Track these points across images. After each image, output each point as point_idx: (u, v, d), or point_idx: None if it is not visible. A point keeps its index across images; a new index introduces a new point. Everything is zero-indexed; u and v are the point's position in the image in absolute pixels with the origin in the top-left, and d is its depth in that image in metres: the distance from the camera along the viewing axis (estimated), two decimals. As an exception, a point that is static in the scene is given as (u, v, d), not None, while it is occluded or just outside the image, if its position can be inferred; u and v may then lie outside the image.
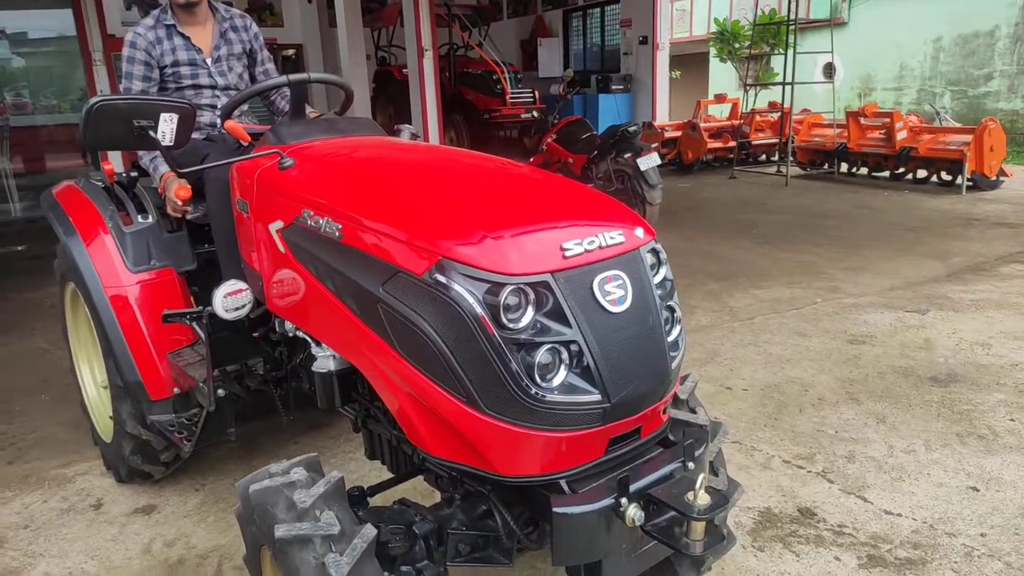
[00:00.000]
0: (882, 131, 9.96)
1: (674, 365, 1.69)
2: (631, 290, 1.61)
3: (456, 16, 13.75)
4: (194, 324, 2.45)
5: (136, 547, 2.66)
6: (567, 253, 1.56)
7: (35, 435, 3.58)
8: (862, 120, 10.30)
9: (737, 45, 15.67)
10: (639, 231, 1.72)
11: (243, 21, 3.00)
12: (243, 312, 2.24)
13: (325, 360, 2.04)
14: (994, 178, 9.19)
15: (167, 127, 1.98)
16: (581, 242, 1.59)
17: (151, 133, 1.97)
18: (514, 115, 12.52)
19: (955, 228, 7.28)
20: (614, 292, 1.59)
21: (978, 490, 2.83)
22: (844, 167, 10.82)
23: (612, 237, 1.64)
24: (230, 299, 2.19)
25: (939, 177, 9.67)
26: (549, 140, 8.27)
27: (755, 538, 2.58)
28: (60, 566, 2.57)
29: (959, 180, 9.18)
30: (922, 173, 9.84)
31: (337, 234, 1.81)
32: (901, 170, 9.95)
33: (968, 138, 9.10)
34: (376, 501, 1.96)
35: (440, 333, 1.54)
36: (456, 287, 1.52)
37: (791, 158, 10.84)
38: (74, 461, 3.30)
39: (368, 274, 1.70)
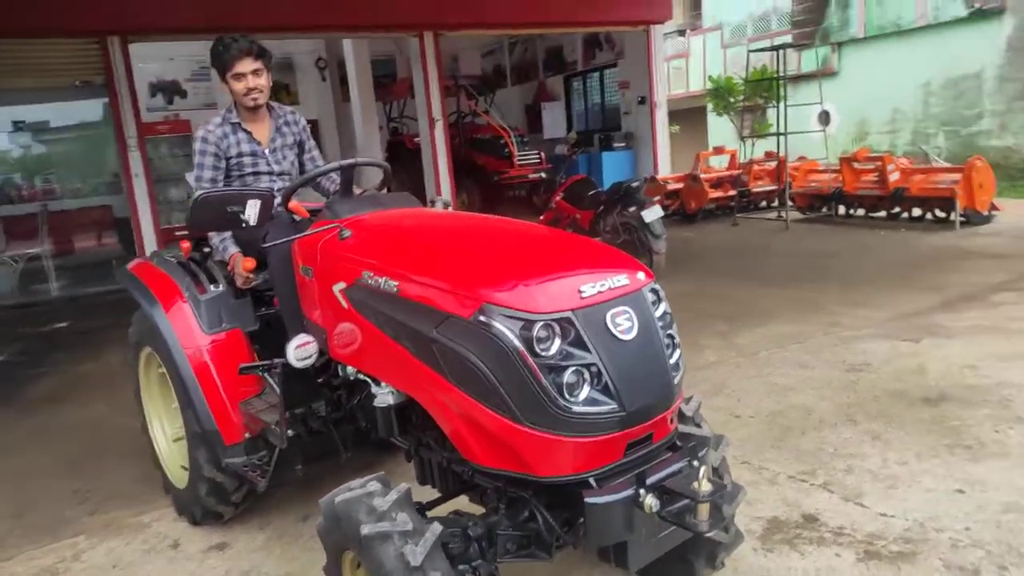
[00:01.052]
0: (875, 174, 10.41)
1: (676, 381, 2.07)
2: (637, 322, 2.01)
3: (463, 86, 14.50)
4: (265, 375, 2.85)
5: (215, 577, 3.01)
6: (584, 294, 1.96)
7: (108, 489, 3.94)
8: (855, 164, 10.78)
9: (732, 99, 16.32)
10: (641, 275, 2.13)
11: (293, 116, 3.49)
12: (311, 361, 2.64)
13: (385, 396, 2.42)
14: (986, 213, 9.58)
15: (252, 211, 2.43)
16: (595, 285, 1.99)
17: (241, 216, 2.41)
18: (522, 175, 13.12)
19: (949, 261, 7.64)
20: (623, 324, 1.98)
21: (964, 492, 3.14)
22: (842, 209, 11.25)
23: (619, 280, 2.04)
24: (300, 350, 2.60)
25: (933, 215, 10.06)
26: (557, 198, 8.75)
27: (764, 541, 2.90)
28: (151, 596, 2.92)
29: (952, 216, 9.56)
30: (917, 212, 10.25)
31: (395, 289, 2.22)
32: (896, 210, 10.38)
33: (957, 176, 9.53)
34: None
35: (486, 363, 1.93)
36: (497, 325, 1.91)
37: (790, 203, 11.30)
38: (147, 510, 3.66)
39: (423, 320, 2.11)
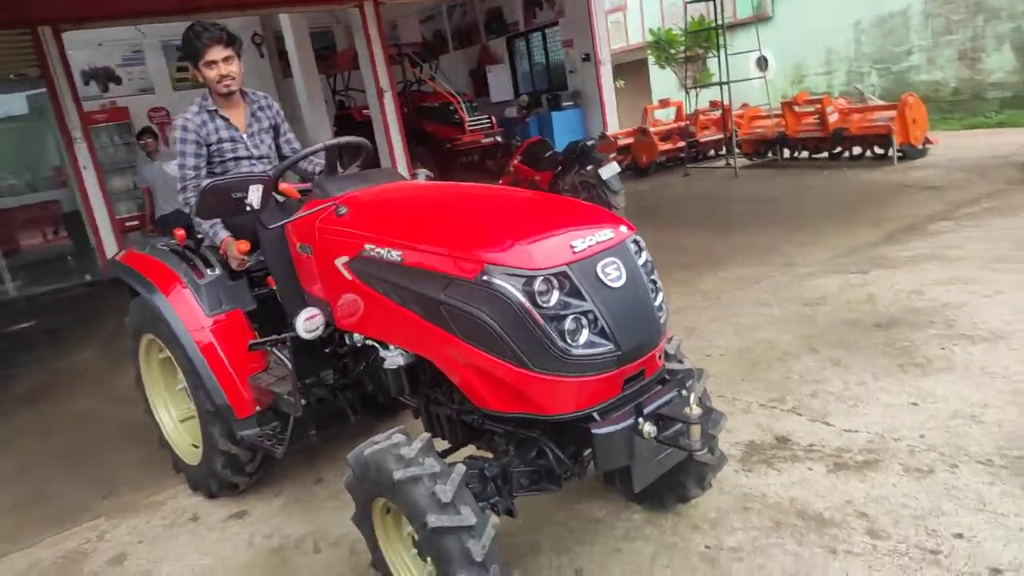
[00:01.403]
0: (815, 116, 10.80)
1: (662, 321, 2.32)
2: (624, 270, 2.23)
3: (406, 55, 14.42)
4: (273, 349, 3.02)
5: (240, 543, 3.20)
6: (576, 249, 2.18)
7: (116, 475, 4.07)
8: (796, 108, 11.15)
9: (673, 51, 16.55)
10: (623, 228, 2.35)
11: (267, 101, 3.58)
12: (319, 332, 2.81)
13: (395, 358, 2.61)
14: (921, 147, 10.05)
15: (255, 195, 2.57)
16: (584, 240, 2.20)
17: (245, 201, 2.55)
18: (474, 141, 13.20)
19: (889, 196, 8.07)
20: (613, 273, 2.20)
21: (917, 404, 3.48)
22: (786, 153, 11.65)
23: (605, 234, 2.26)
24: (309, 323, 2.76)
25: (872, 152, 10.52)
26: (515, 161, 8.93)
27: (744, 463, 3.20)
28: (181, 565, 3.10)
29: (890, 153, 10.01)
30: (857, 150, 10.69)
31: (398, 259, 2.40)
32: (838, 150, 10.80)
33: (892, 114, 9.96)
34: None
35: (493, 318, 2.13)
36: (500, 283, 2.11)
37: (737, 151, 11.66)
38: (159, 490, 3.81)
39: (429, 285, 2.29)
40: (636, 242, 2.39)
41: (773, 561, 2.56)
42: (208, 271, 3.29)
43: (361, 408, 3.24)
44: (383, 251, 2.46)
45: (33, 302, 9.66)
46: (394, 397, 2.79)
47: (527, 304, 2.09)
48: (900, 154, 9.93)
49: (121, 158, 14.20)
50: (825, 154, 11.05)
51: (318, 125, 13.33)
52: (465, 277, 2.19)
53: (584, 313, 2.13)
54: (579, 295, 2.14)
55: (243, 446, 3.25)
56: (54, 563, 3.27)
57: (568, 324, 2.11)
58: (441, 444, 2.77)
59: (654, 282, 2.37)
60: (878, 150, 10.39)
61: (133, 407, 4.81)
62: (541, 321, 2.09)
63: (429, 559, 2.19)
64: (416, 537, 2.25)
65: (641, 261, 2.35)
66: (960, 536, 2.54)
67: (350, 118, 14.44)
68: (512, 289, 2.10)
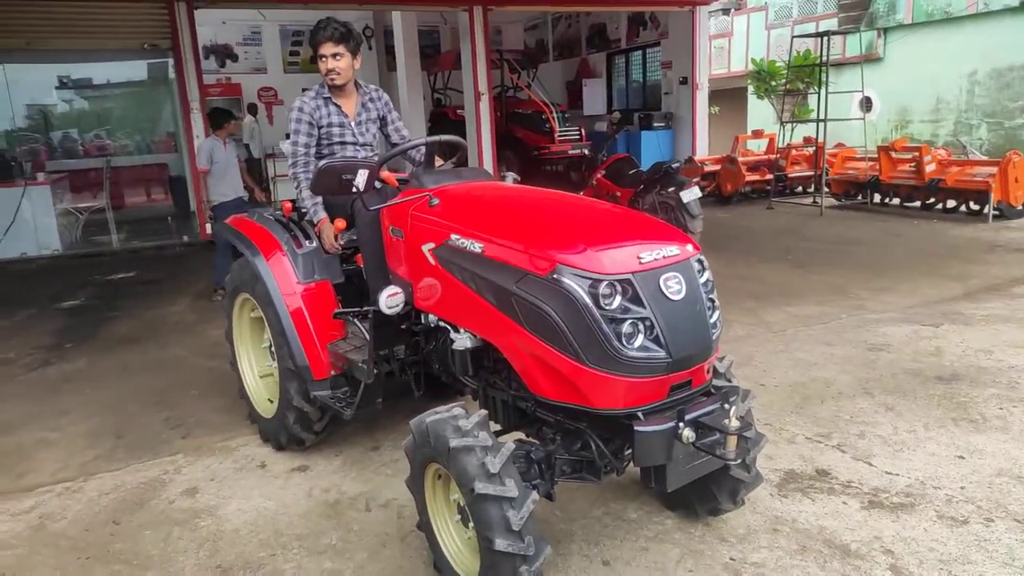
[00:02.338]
0: (912, 164, 10.59)
1: (714, 337, 2.48)
2: (685, 286, 2.41)
3: (507, 60, 14.79)
4: (354, 320, 3.31)
5: (300, 492, 3.49)
6: (642, 260, 2.37)
7: (195, 419, 4.45)
8: (892, 154, 10.96)
9: (774, 83, 16.42)
10: (690, 247, 2.52)
11: (377, 93, 3.89)
12: (398, 309, 3.08)
13: (463, 340, 2.85)
14: (1019, 207, 9.73)
15: (362, 179, 2.86)
16: (651, 253, 2.39)
17: (353, 182, 2.85)
18: (562, 151, 13.44)
19: (977, 253, 7.89)
20: (674, 286, 2.38)
21: (964, 458, 3.51)
22: (877, 198, 11.44)
23: (672, 250, 2.44)
24: (391, 299, 3.04)
25: (967, 207, 10.24)
26: (599, 175, 9.10)
27: (781, 489, 3.31)
28: (247, 504, 3.41)
29: (986, 210, 9.74)
30: (951, 203, 10.42)
31: (479, 250, 2.64)
32: (931, 200, 10.56)
33: (993, 170, 9.69)
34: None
35: (559, 314, 2.34)
36: (569, 283, 2.32)
37: (826, 190, 11.52)
38: (233, 436, 4.16)
39: (504, 277, 2.52)
40: (700, 261, 2.56)
41: (794, 581, 2.68)
42: (307, 243, 3.61)
43: (425, 386, 3.50)
44: (467, 242, 2.70)
45: (134, 255, 10.39)
46: (457, 377, 3.03)
47: (591, 304, 2.29)
48: (996, 212, 9.66)
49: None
50: (918, 203, 10.81)
51: (414, 120, 13.81)
52: (538, 273, 2.41)
53: (642, 319, 2.32)
54: (639, 302, 2.32)
55: (315, 405, 3.55)
56: (136, 487, 3.64)
57: (626, 328, 2.30)
58: (494, 427, 3.01)
59: (712, 300, 2.53)
60: (974, 206, 10.12)
61: (216, 359, 5.25)
62: (601, 321, 2.29)
63: (471, 526, 2.42)
64: (462, 503, 2.48)
65: (703, 280, 2.52)
66: (983, 585, 2.60)
67: (445, 116, 14.89)
68: (579, 289, 2.30)
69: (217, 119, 7.49)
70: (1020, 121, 15.42)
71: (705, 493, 2.91)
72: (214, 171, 7.23)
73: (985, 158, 11.26)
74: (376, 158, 3.65)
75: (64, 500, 3.55)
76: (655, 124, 14.08)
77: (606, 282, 2.30)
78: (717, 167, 12.67)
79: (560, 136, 13.48)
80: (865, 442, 3.72)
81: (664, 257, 2.40)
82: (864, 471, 3.44)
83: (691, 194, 7.86)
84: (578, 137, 13.58)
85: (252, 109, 15.18)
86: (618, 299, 2.31)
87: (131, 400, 4.82)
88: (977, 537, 2.88)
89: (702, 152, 14.01)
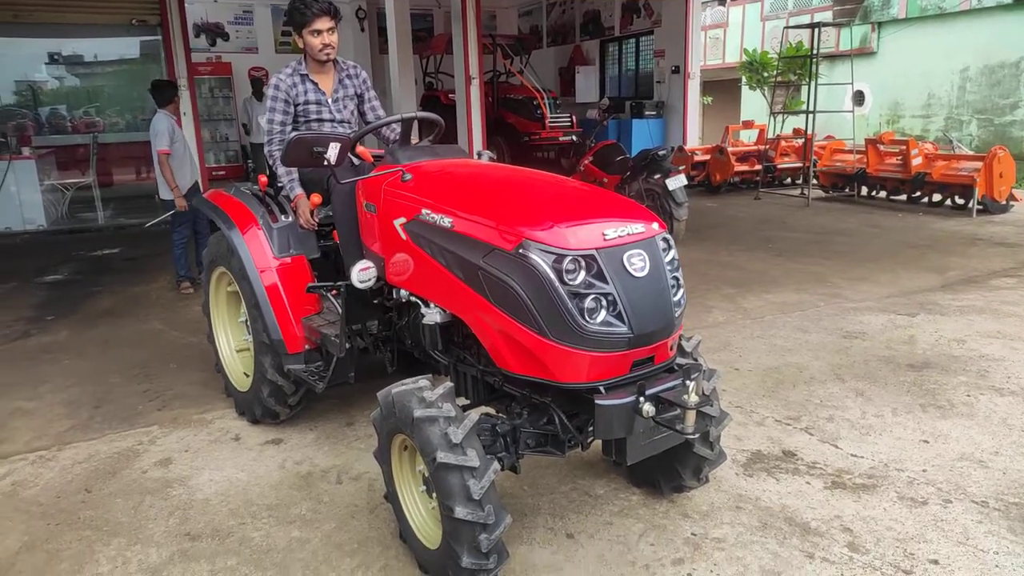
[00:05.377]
0: (899, 158, 10.65)
1: (677, 314, 2.51)
2: (649, 263, 2.43)
3: (499, 45, 14.72)
4: (328, 294, 3.33)
5: (273, 464, 3.52)
6: (606, 237, 2.39)
7: (173, 391, 4.47)
8: (880, 147, 11.01)
9: (766, 74, 16.43)
10: (655, 225, 2.55)
11: (355, 70, 3.89)
12: (371, 283, 3.10)
13: (433, 315, 2.88)
14: (1004, 202, 9.81)
15: (333, 152, 2.87)
16: (616, 230, 2.42)
17: (324, 155, 2.86)
18: (552, 138, 13.41)
19: (958, 246, 7.96)
20: (637, 263, 2.41)
21: (928, 442, 3.57)
22: (864, 190, 11.50)
23: (636, 228, 2.47)
24: (362, 273, 3.06)
25: (952, 201, 10.31)
26: (586, 162, 9.11)
27: (746, 468, 3.36)
28: (219, 475, 3.44)
29: (970, 204, 9.81)
30: (937, 197, 10.49)
31: (449, 225, 2.66)
32: (917, 194, 10.62)
33: (979, 165, 9.76)
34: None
35: (523, 288, 2.37)
36: (534, 258, 2.35)
37: (814, 181, 11.57)
38: (209, 409, 4.18)
39: (472, 251, 2.54)
40: (665, 239, 2.58)
41: (752, 555, 2.72)
42: (282, 217, 3.62)
43: (398, 362, 3.52)
44: (437, 217, 2.72)
45: (120, 232, 10.35)
46: (429, 353, 3.06)
47: (555, 279, 2.32)
48: (980, 207, 9.73)
49: (218, 110, 14.98)
50: (904, 197, 10.88)
51: (405, 103, 13.75)
52: (504, 248, 2.43)
53: (605, 295, 2.35)
54: (603, 278, 2.35)
55: (289, 379, 3.58)
56: (110, 456, 3.66)
57: (588, 303, 2.33)
58: (463, 402, 3.04)
59: (677, 279, 2.56)
60: (959, 200, 10.19)
61: (197, 334, 5.27)
62: (565, 296, 2.32)
63: (435, 496, 2.45)
64: (426, 474, 2.51)
65: (668, 258, 2.54)
66: (935, 563, 2.65)
67: (436, 100, 14.81)
68: (543, 264, 2.33)
69: (166, 92, 6.77)
70: (1010, 118, 15.48)
71: (670, 470, 2.95)
72: (175, 153, 6.59)
73: (971, 152, 11.30)
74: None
75: (37, 468, 3.57)
76: (646, 112, 14.08)
77: (570, 257, 2.33)
78: (707, 157, 12.70)
79: (551, 123, 13.44)
80: (833, 425, 3.78)
81: (629, 234, 2.43)
82: (830, 453, 3.49)
83: (677, 181, 7.88)
84: (569, 124, 13.55)
85: (257, 86, 15.00)
86: (582, 274, 2.34)
87: (110, 372, 4.83)
88: (935, 517, 2.93)
89: (693, 142, 14.03)
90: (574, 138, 12.74)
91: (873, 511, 2.99)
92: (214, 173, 13.64)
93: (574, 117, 13.79)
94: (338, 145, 2.88)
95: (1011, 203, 9.96)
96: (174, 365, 4.91)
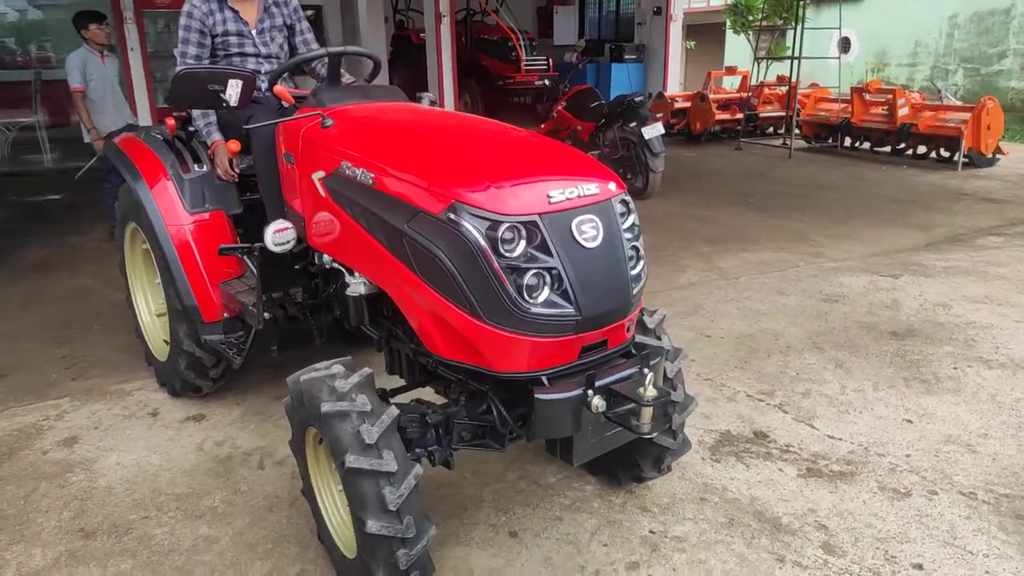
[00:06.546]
0: (884, 107, 10.25)
1: (635, 292, 2.13)
2: (602, 231, 2.05)
3: (473, -18, 13.99)
4: (244, 257, 2.91)
5: (190, 445, 3.16)
6: (552, 200, 2.00)
7: (92, 357, 4.07)
8: (866, 96, 10.59)
9: (751, 17, 15.84)
10: (612, 185, 2.15)
11: (284, -2, 3.40)
12: (288, 247, 2.69)
13: (357, 286, 2.49)
14: (990, 156, 9.49)
15: (233, 91, 2.42)
16: (564, 191, 2.02)
17: (221, 95, 2.41)
18: (528, 82, 12.81)
19: (943, 202, 7.64)
20: (588, 232, 2.02)
21: (912, 422, 3.27)
22: (848, 141, 11.12)
23: (589, 188, 2.07)
24: (278, 235, 2.65)
25: (938, 153, 9.98)
26: (559, 108, 8.63)
27: (714, 452, 3.04)
28: (128, 458, 3.07)
29: (956, 157, 9.47)
30: (922, 149, 10.14)
31: (371, 182, 2.25)
32: (902, 146, 10.26)
33: (966, 116, 9.39)
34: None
35: (452, 260, 1.98)
36: (464, 224, 1.95)
37: (796, 131, 11.16)
38: (129, 379, 3.79)
39: (395, 214, 2.14)
40: (625, 202, 2.19)
41: (716, 558, 2.42)
42: (195, 167, 3.18)
43: (330, 334, 3.14)
44: (358, 171, 2.31)
45: (65, 176, 9.72)
46: (355, 326, 2.67)
47: (488, 250, 1.93)
48: (967, 160, 9.40)
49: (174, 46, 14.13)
50: (888, 148, 10.52)
51: (374, 43, 13.03)
52: (431, 211, 2.03)
53: (548, 270, 1.96)
54: (546, 250, 1.96)
55: (207, 350, 3.19)
56: (8, 435, 3.27)
57: (528, 279, 1.95)
58: (397, 383, 2.67)
59: (636, 249, 2.18)
60: (944, 152, 9.86)
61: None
62: (500, 271, 1.93)
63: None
64: (341, 473, 2.16)
65: (626, 224, 2.16)
66: (919, 567, 2.37)
67: (407, 40, 14.12)
68: (474, 232, 1.94)
69: (78, 23, 6.13)
70: (997, 67, 15.09)
71: (628, 460, 2.63)
72: (91, 91, 6.05)
73: (959, 103, 10.93)
74: None
75: (-76, 448, 3.19)
76: (626, 56, 13.48)
77: (507, 225, 1.93)
78: (687, 104, 12.22)
79: (527, 66, 12.84)
80: (809, 402, 3.47)
81: (579, 197, 2.04)
82: (805, 434, 3.19)
83: (653, 130, 7.45)
84: (545, 68, 12.95)
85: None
86: (521, 245, 1.95)
87: (26, 335, 4.41)
88: (919, 512, 2.65)
89: (674, 88, 13.49)
90: (547, 82, 12.17)
91: (851, 504, 2.70)
92: (175, 115, 12.92)
93: (551, 60, 13.18)
94: (239, 82, 2.43)
95: (997, 156, 9.64)
96: (98, 327, 4.50)
